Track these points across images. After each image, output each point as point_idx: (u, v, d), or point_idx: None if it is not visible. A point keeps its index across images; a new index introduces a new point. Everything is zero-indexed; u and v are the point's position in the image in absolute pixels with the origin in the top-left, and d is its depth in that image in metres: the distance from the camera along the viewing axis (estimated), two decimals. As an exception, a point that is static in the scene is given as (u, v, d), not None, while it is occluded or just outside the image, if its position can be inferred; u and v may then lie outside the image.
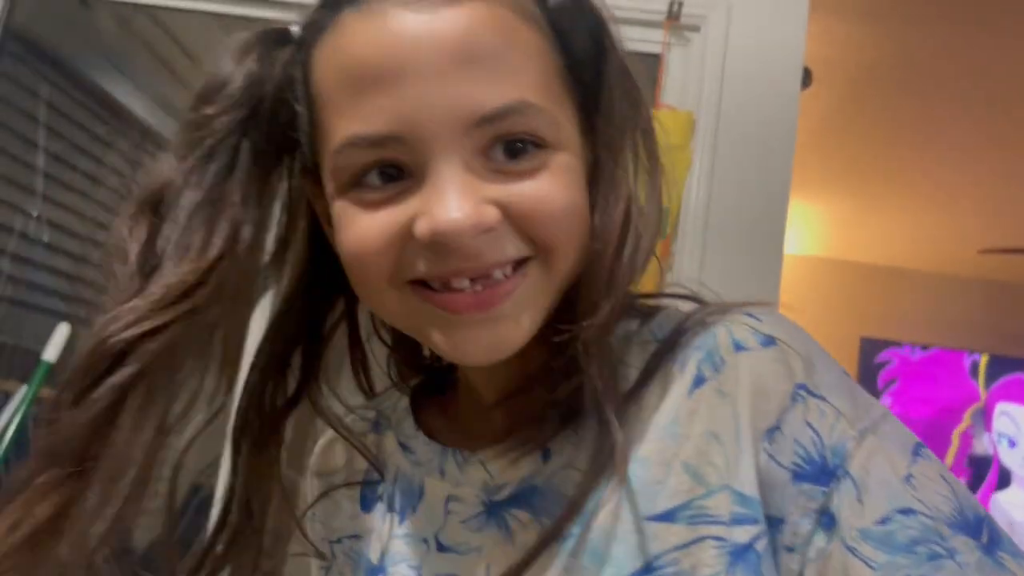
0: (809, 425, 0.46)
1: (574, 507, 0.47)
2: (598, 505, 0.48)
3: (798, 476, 0.45)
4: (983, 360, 4.34)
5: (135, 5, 1.89)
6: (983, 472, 4.29)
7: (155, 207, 0.49)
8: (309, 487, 0.66)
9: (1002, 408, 4.33)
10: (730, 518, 0.46)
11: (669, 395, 0.49)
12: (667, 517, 0.47)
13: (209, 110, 0.50)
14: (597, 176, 0.51)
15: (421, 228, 0.45)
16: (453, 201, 0.45)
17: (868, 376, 4.34)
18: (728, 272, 1.50)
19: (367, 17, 0.46)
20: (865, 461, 0.45)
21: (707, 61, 1.61)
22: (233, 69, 0.51)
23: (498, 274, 0.47)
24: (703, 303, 0.54)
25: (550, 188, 0.47)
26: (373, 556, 0.59)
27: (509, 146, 0.47)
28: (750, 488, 0.46)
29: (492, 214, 0.46)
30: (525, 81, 0.47)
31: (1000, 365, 4.34)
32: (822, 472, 0.45)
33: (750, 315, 0.50)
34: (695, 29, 1.64)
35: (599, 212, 0.50)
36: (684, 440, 0.48)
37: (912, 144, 3.03)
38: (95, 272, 2.19)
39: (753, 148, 1.59)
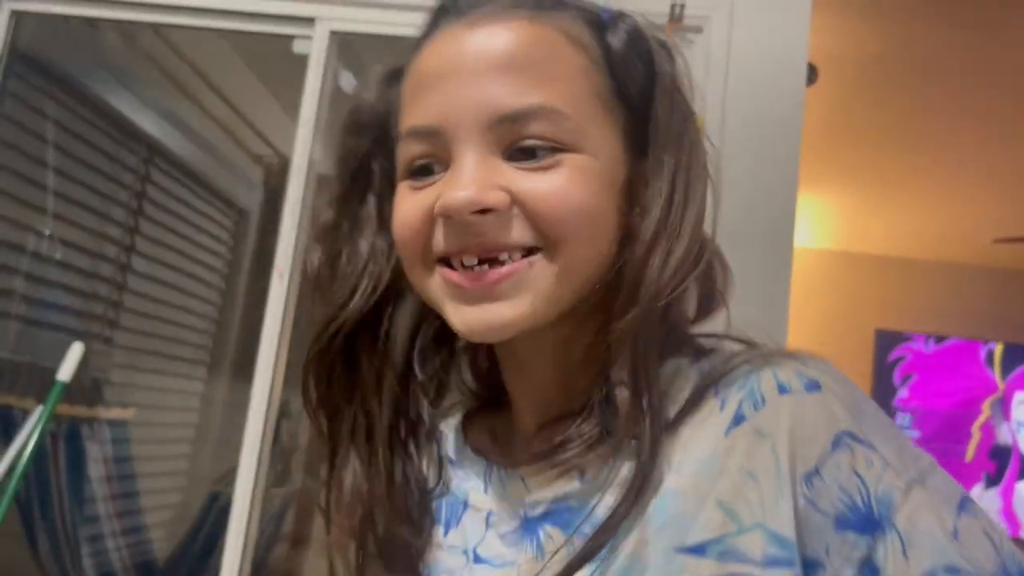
0: (856, 473, 0.46)
1: (605, 530, 0.49)
2: (627, 531, 0.49)
3: (841, 523, 0.46)
4: (999, 349, 4.31)
5: (140, 23, 1.90)
6: (1005, 462, 4.26)
7: (326, 234, 0.61)
8: None
9: (1020, 397, 4.29)
10: (763, 558, 0.46)
11: (708, 430, 0.50)
12: (697, 551, 0.47)
13: (349, 141, 0.60)
14: (642, 189, 0.54)
15: (436, 205, 0.51)
16: (463, 182, 0.50)
17: (884, 370, 4.32)
18: (739, 268, 1.49)
19: (439, 38, 0.54)
20: (912, 514, 0.45)
21: (711, 62, 1.61)
22: (362, 102, 0.60)
23: (504, 257, 0.51)
24: (756, 346, 0.55)
25: (561, 184, 0.50)
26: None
27: (528, 144, 0.51)
28: (786, 530, 0.46)
29: (496, 197, 0.50)
30: (553, 90, 0.51)
31: (1016, 354, 4.31)
32: (867, 521, 0.45)
33: (796, 359, 0.50)
34: (698, 31, 1.63)
35: (637, 222, 0.54)
36: (720, 476, 0.49)
37: (921, 135, 3.01)
38: (108, 288, 2.21)
39: (760, 146, 1.59)
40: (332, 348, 0.59)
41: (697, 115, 0.58)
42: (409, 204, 0.53)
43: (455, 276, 0.52)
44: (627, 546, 0.49)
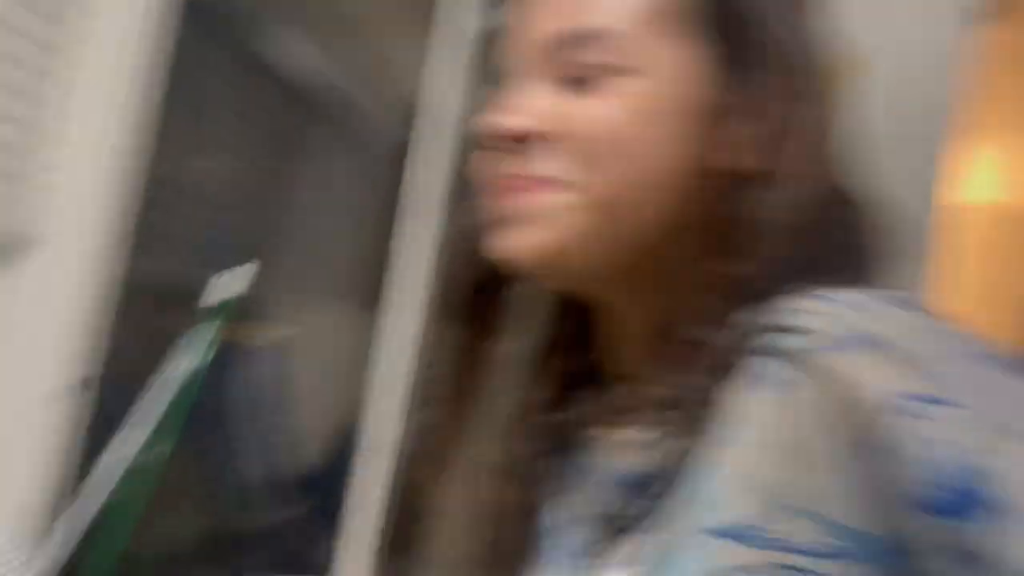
0: (929, 441, 0.38)
1: (643, 507, 0.46)
2: (666, 509, 0.45)
3: (922, 505, 0.38)
4: None
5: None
6: None
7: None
8: None
9: None
10: (814, 548, 0.40)
11: (752, 399, 0.44)
12: (731, 534, 0.42)
13: None
14: (737, 118, 0.49)
15: None
16: (504, 108, 0.50)
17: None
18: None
19: None
20: (1010, 475, 0.37)
21: None
22: None
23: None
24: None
25: (597, 111, 0.49)
26: None
27: (577, 73, 0.49)
28: (844, 515, 0.40)
29: (517, 121, 0.49)
30: (613, 12, 0.49)
31: None
32: (962, 498, 0.37)
33: (854, 308, 0.43)
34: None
35: (734, 156, 0.49)
36: (761, 451, 0.43)
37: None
38: (263, 218, 2.30)
39: (911, 89, 1.49)
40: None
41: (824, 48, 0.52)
42: None
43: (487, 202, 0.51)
44: (663, 524, 0.45)
